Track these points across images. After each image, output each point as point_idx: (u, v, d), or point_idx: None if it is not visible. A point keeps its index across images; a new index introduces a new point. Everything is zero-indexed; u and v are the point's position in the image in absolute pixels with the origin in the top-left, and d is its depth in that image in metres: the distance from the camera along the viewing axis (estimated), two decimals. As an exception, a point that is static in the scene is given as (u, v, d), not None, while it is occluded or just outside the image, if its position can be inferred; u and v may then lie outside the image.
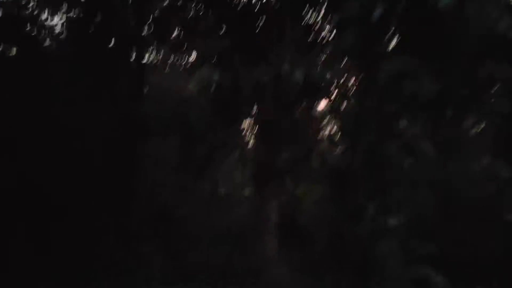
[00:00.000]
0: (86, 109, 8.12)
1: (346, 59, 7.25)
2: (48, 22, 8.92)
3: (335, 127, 7.91)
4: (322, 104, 8.79)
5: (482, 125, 7.76)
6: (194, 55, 8.98)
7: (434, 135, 5.10)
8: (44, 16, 8.84)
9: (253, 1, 8.13)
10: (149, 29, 9.07)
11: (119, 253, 7.77)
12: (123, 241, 8.04)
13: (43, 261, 7.34)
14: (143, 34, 9.05)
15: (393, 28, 6.09)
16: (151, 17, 9.01)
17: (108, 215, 8.33)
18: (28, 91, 7.94)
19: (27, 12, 8.67)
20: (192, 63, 8.97)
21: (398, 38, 6.22)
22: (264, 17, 7.93)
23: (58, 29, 9.02)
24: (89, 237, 7.87)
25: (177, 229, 8.64)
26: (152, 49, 9.78)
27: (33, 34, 8.65)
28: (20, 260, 7.04)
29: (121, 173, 8.70)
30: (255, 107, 8.40)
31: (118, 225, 8.28)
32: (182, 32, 8.82)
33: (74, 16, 8.87)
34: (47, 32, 8.90)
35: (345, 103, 7.63)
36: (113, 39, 8.83)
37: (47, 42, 9.01)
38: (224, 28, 8.07)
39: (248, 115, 8.87)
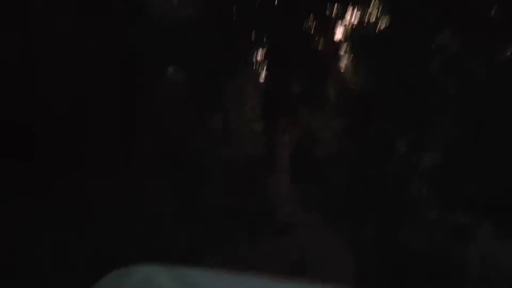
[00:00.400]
0: (75, 37, 7.29)
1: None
2: None
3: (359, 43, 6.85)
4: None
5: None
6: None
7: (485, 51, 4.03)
8: None
9: None
10: None
11: (124, 189, 7.22)
12: (128, 176, 7.46)
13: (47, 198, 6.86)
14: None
15: None
16: None
17: (110, 150, 7.72)
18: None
19: None
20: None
21: None
22: None
23: None
24: (90, 173, 7.30)
25: (185, 164, 8.02)
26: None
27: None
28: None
29: (121, 104, 7.99)
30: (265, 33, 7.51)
31: (122, 160, 7.67)
32: None
33: None
34: None
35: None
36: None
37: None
38: None
39: (258, 42, 7.98)
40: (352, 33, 6.56)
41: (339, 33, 8.04)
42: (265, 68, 8.89)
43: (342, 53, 9.03)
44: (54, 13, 7.29)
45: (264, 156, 7.25)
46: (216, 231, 5.93)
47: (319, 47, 8.56)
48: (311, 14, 7.09)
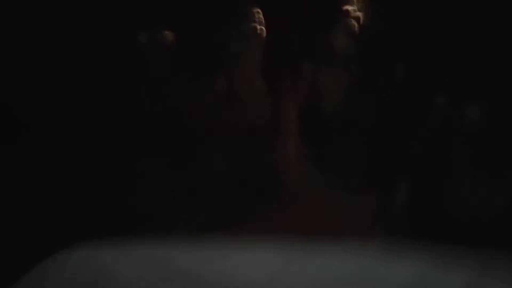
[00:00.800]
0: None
1: None
2: None
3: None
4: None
5: None
6: None
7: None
8: None
9: None
10: None
11: (117, 168, 6.59)
12: (121, 152, 6.82)
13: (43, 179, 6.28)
14: None
15: None
16: None
17: (98, 126, 7.07)
18: None
19: None
20: None
21: None
22: None
23: None
24: (78, 152, 6.68)
25: (183, 133, 7.33)
26: None
27: None
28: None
29: (106, 74, 7.25)
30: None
31: (113, 136, 7.02)
32: None
33: None
34: None
35: None
36: None
37: None
38: None
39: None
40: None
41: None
42: (263, 19, 8.04)
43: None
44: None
45: (270, 119, 6.55)
46: (220, 204, 5.33)
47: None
48: None
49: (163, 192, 5.68)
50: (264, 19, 6.71)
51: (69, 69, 5.84)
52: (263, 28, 7.41)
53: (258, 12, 7.48)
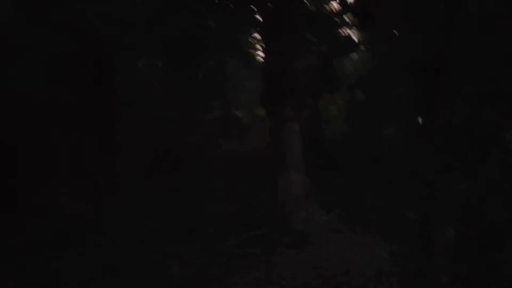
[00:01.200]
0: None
1: None
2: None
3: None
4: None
5: None
6: None
7: None
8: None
9: None
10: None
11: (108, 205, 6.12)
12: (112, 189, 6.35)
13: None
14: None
15: None
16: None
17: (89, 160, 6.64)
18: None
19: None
20: None
21: None
22: None
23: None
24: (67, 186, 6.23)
25: (179, 165, 6.87)
26: None
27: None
28: None
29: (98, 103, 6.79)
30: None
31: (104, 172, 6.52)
32: None
33: None
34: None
35: None
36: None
37: None
38: None
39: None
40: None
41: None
42: (263, 43, 7.77)
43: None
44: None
45: (271, 149, 6.17)
46: (216, 247, 4.91)
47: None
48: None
49: (152, 232, 4.97)
50: (265, 44, 6.16)
51: (59, 97, 5.25)
52: (263, 54, 6.74)
53: (257, 38, 6.85)
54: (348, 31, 8.26)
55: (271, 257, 4.89)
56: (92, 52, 6.25)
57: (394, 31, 6.41)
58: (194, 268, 4.43)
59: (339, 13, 7.86)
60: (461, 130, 4.82)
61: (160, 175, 6.00)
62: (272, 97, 5.71)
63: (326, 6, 7.61)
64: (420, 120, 5.73)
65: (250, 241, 4.86)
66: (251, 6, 6.51)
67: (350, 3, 7.16)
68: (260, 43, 8.64)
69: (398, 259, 4.50)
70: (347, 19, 7.99)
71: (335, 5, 7.79)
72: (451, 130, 5.32)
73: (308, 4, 6.69)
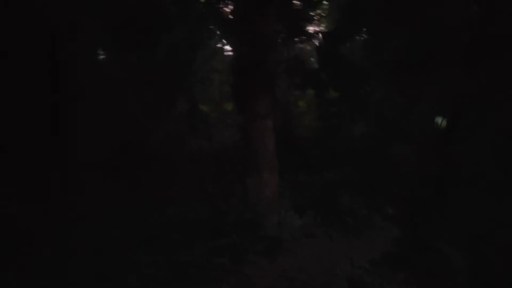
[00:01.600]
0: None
1: None
2: None
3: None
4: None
5: None
6: None
7: None
8: None
9: None
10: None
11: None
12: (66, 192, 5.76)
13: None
14: None
15: None
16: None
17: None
18: None
19: None
20: None
21: None
22: None
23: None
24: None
25: (134, 163, 6.27)
26: None
27: None
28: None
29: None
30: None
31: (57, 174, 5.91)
32: None
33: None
34: None
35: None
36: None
37: None
38: None
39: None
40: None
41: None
42: (233, 35, 7.39)
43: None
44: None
45: (241, 147, 5.74)
46: (180, 257, 4.45)
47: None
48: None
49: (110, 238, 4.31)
50: (234, 36, 5.48)
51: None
52: (232, 45, 6.15)
53: (226, 29, 6.25)
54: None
55: (242, 267, 4.49)
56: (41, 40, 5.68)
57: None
58: (154, 282, 3.96)
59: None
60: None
61: (118, 175, 5.47)
62: (244, 91, 5.29)
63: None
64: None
65: (219, 250, 4.43)
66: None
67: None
68: (228, 34, 8.28)
69: (380, 269, 4.22)
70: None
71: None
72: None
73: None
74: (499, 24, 4.63)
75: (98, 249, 4.38)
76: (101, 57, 7.94)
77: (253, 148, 5.41)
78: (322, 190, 5.89)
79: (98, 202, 5.02)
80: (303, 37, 8.15)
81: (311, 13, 8.06)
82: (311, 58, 8.90)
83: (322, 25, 8.81)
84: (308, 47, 9.18)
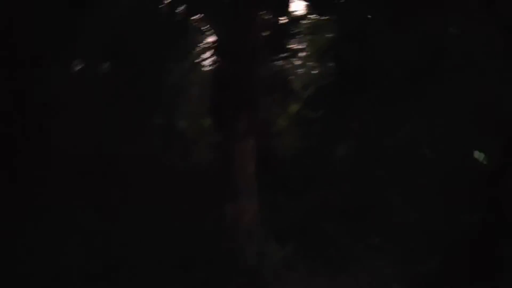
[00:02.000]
0: None
1: None
2: None
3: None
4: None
5: None
6: None
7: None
8: None
9: None
10: None
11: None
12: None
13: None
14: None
15: None
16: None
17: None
18: None
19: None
20: None
21: None
22: None
23: None
24: None
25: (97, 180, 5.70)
26: None
27: None
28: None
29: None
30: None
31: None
32: None
33: None
34: None
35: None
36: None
37: None
38: None
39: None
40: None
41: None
42: (213, 49, 7.11)
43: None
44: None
45: (219, 169, 5.32)
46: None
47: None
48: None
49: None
50: (214, 49, 5.00)
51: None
52: (211, 60, 5.60)
53: (205, 43, 5.73)
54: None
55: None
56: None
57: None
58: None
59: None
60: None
61: (80, 197, 4.96)
62: (225, 108, 4.88)
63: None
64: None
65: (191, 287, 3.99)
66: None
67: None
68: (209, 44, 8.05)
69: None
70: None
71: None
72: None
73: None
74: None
75: (51, 281, 3.88)
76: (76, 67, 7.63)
77: (231, 171, 5.02)
78: (303, 218, 5.53)
79: (57, 226, 4.53)
80: (285, 54, 8.08)
81: (295, 30, 8.01)
82: (292, 76, 8.79)
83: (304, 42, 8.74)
84: (290, 64, 9.07)
